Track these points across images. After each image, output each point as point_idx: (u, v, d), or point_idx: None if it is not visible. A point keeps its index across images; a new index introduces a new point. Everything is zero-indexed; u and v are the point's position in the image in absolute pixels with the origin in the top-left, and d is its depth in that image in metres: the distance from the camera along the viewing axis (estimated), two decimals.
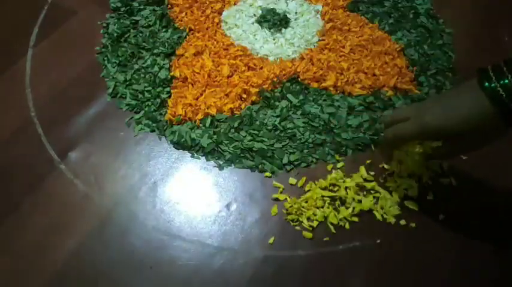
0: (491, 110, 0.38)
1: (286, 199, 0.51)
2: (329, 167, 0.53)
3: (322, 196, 0.51)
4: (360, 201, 0.51)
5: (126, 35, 0.66)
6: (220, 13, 0.69)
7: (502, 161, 0.54)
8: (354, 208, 0.50)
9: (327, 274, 0.47)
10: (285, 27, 0.67)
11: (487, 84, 0.38)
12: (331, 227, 0.49)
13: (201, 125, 0.57)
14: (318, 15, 0.69)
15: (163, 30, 0.67)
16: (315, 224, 0.49)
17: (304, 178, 0.52)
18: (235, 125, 0.56)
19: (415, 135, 0.43)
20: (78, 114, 0.58)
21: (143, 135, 0.57)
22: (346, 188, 0.51)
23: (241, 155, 0.55)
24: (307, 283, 0.46)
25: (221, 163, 0.54)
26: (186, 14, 0.68)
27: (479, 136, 0.41)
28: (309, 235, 0.48)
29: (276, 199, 0.51)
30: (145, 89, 0.60)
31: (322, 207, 0.50)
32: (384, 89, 0.60)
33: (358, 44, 0.64)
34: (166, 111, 0.58)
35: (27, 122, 0.57)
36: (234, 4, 0.70)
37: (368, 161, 0.54)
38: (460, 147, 0.43)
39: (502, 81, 0.37)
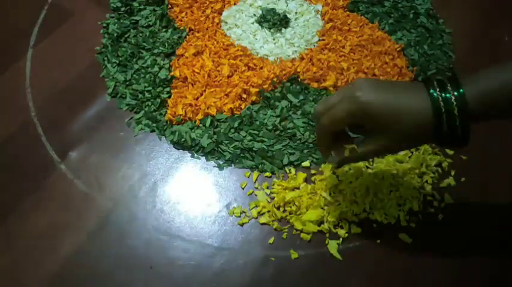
0: (429, 117, 0.38)
1: (285, 198, 0.51)
2: (329, 167, 0.53)
3: (322, 196, 0.51)
4: (357, 202, 0.51)
5: (126, 35, 0.66)
6: (220, 13, 0.69)
7: (503, 160, 0.54)
8: (353, 208, 0.50)
9: (327, 274, 0.47)
10: (285, 27, 0.67)
11: (432, 91, 0.39)
12: (331, 227, 0.49)
13: (201, 125, 0.57)
14: (318, 15, 0.69)
15: (163, 30, 0.67)
16: (314, 223, 0.49)
17: (303, 178, 0.52)
18: (235, 125, 0.56)
19: (348, 114, 0.40)
20: (78, 114, 0.58)
21: (143, 135, 0.57)
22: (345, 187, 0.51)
23: (241, 155, 0.55)
24: (307, 283, 0.46)
25: (221, 163, 0.54)
26: (186, 14, 0.68)
27: (404, 135, 0.40)
28: (308, 235, 0.49)
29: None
30: (145, 89, 0.60)
31: (322, 207, 0.50)
32: None
33: (358, 44, 0.64)
34: (166, 111, 0.58)
35: (27, 122, 0.57)
36: (234, 4, 0.70)
37: (367, 163, 0.54)
38: (381, 145, 0.41)
39: (443, 95, 0.38)
